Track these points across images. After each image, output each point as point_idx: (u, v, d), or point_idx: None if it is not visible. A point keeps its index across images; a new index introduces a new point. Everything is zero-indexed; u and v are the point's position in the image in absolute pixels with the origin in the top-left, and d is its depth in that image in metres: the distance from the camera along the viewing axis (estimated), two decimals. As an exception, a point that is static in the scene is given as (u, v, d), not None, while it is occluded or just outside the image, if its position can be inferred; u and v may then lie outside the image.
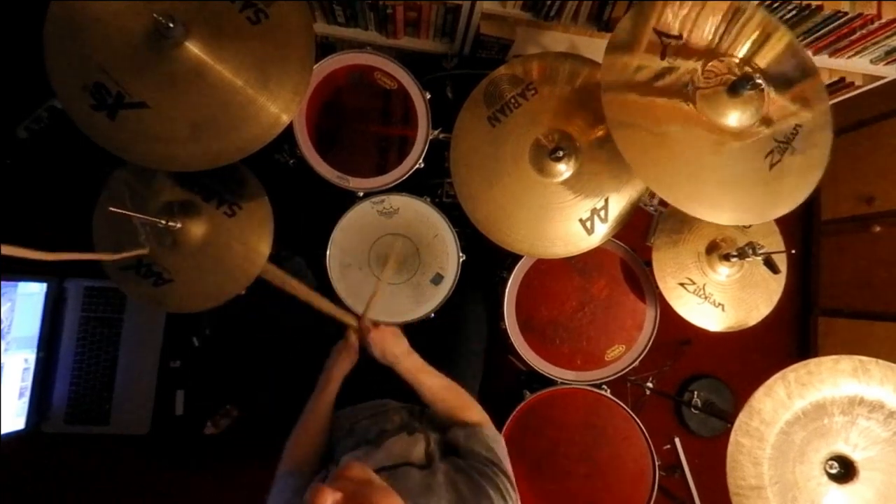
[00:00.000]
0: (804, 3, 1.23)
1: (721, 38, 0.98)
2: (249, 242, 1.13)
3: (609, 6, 1.36)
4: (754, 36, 0.98)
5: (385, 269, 1.24)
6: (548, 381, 1.38)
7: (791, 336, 2.27)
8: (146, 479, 1.73)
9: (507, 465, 0.84)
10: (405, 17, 1.43)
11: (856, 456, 1.04)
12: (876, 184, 1.94)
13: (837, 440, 1.05)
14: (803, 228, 2.25)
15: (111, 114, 0.87)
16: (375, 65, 1.25)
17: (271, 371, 1.56)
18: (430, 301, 1.29)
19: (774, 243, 1.34)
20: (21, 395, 1.38)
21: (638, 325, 1.40)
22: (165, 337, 1.50)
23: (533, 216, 1.14)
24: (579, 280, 1.40)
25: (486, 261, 1.48)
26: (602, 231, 1.16)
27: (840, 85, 1.61)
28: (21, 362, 1.37)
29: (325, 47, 1.56)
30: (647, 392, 1.80)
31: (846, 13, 1.26)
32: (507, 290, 1.36)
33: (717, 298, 1.31)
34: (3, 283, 1.29)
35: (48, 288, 1.43)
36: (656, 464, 1.34)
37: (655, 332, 1.38)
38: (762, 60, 0.98)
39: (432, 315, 1.29)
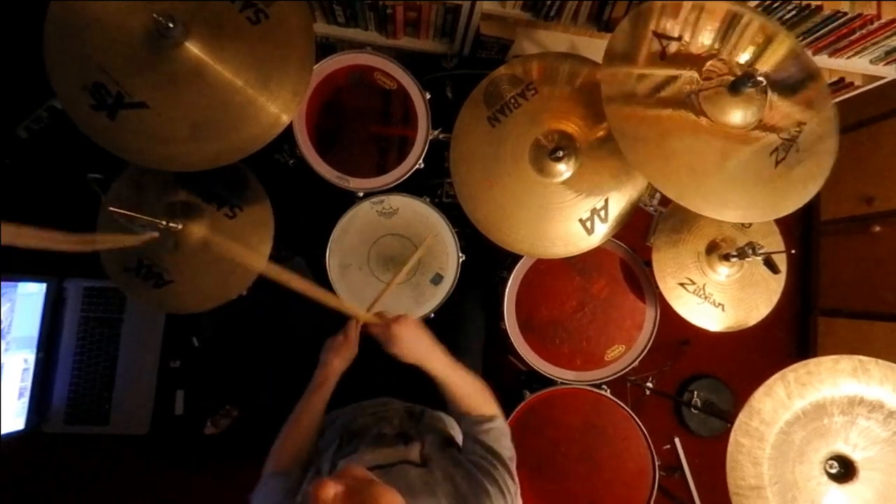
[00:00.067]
0: (804, 3, 1.24)
1: (721, 45, 0.98)
2: (250, 243, 1.13)
3: (609, 6, 1.36)
4: (756, 42, 0.98)
5: (402, 270, 1.20)
6: (548, 381, 1.38)
7: (791, 336, 2.27)
8: (146, 479, 1.73)
9: (512, 458, 0.82)
10: (405, 17, 1.43)
11: (855, 456, 1.04)
12: (876, 184, 1.94)
13: (837, 440, 1.05)
14: (803, 228, 2.25)
15: (111, 114, 0.87)
16: (375, 65, 1.25)
17: (271, 371, 1.56)
18: (430, 301, 1.29)
19: (774, 243, 1.34)
20: (21, 395, 1.38)
21: (638, 325, 1.40)
22: (165, 337, 1.50)
23: (533, 216, 1.15)
24: (579, 280, 1.40)
25: (486, 261, 1.48)
26: (602, 231, 1.16)
27: (840, 85, 1.62)
28: (21, 362, 1.37)
29: (325, 47, 1.56)
30: (647, 392, 1.80)
31: (846, 13, 1.26)
32: (507, 290, 1.36)
33: (717, 298, 1.31)
34: (3, 283, 1.29)
35: (48, 288, 1.43)
36: (656, 464, 1.34)
37: (655, 332, 1.38)
38: (764, 65, 0.98)
39: (432, 315, 1.29)
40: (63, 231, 0.69)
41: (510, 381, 1.64)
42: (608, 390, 1.37)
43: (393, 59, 1.24)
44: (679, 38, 0.97)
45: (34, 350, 1.40)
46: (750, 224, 1.33)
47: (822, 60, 1.49)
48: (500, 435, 0.86)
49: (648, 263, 1.34)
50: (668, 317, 1.32)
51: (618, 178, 1.14)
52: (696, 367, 2.16)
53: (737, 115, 0.95)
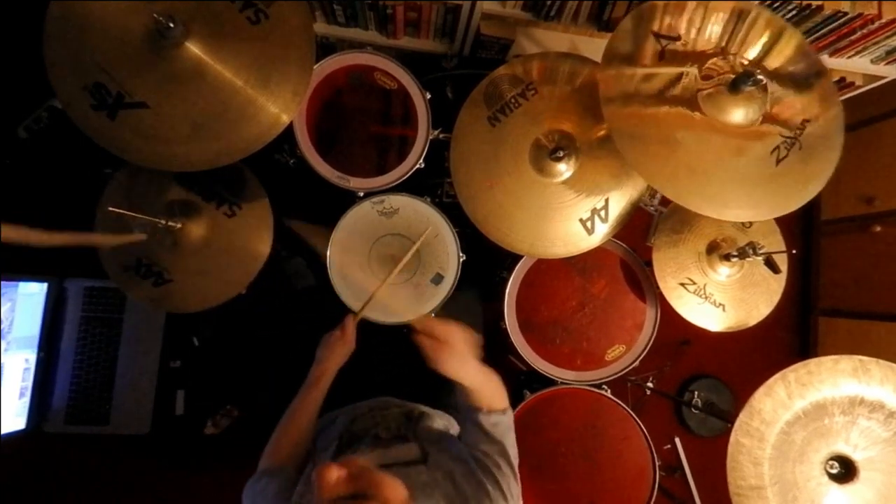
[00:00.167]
0: (804, 3, 1.24)
1: (728, 42, 0.98)
2: (249, 242, 1.13)
3: (609, 6, 1.36)
4: (764, 38, 0.98)
5: (401, 262, 1.19)
6: (548, 381, 1.38)
7: (791, 336, 2.27)
8: (146, 479, 1.73)
9: (516, 456, 0.81)
10: (405, 17, 1.43)
11: (856, 456, 1.04)
12: (876, 184, 1.94)
13: (838, 440, 1.05)
14: (803, 228, 2.25)
15: (111, 114, 0.87)
16: (375, 65, 1.25)
17: (271, 371, 1.56)
18: (430, 301, 1.29)
19: (775, 243, 1.34)
20: (21, 394, 1.38)
21: (638, 325, 1.40)
22: (165, 337, 1.50)
23: (533, 216, 1.14)
24: (579, 280, 1.40)
25: (486, 261, 1.48)
26: (602, 231, 1.16)
27: (840, 85, 1.62)
28: (21, 362, 1.37)
29: (325, 47, 1.55)
30: (648, 392, 1.80)
31: (846, 13, 1.26)
32: (507, 290, 1.36)
33: (718, 298, 1.31)
34: (3, 283, 1.29)
35: (48, 288, 1.43)
36: (656, 464, 1.34)
37: (655, 332, 1.38)
38: (774, 61, 0.97)
39: (432, 315, 1.28)
40: (47, 230, 0.68)
41: (510, 381, 1.64)
42: (608, 390, 1.37)
43: (393, 58, 1.24)
44: (678, 38, 0.97)
45: (35, 350, 1.40)
46: (750, 224, 1.33)
47: (823, 60, 1.49)
48: (507, 429, 0.85)
49: (649, 263, 1.34)
50: (669, 317, 1.32)
51: (618, 177, 1.14)
52: (696, 367, 2.16)
53: (737, 113, 0.95)
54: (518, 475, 0.80)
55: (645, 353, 1.38)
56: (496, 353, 1.43)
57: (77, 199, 1.14)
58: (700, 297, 1.30)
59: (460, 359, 0.86)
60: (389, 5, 1.36)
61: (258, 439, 0.93)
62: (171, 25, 0.81)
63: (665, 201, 1.35)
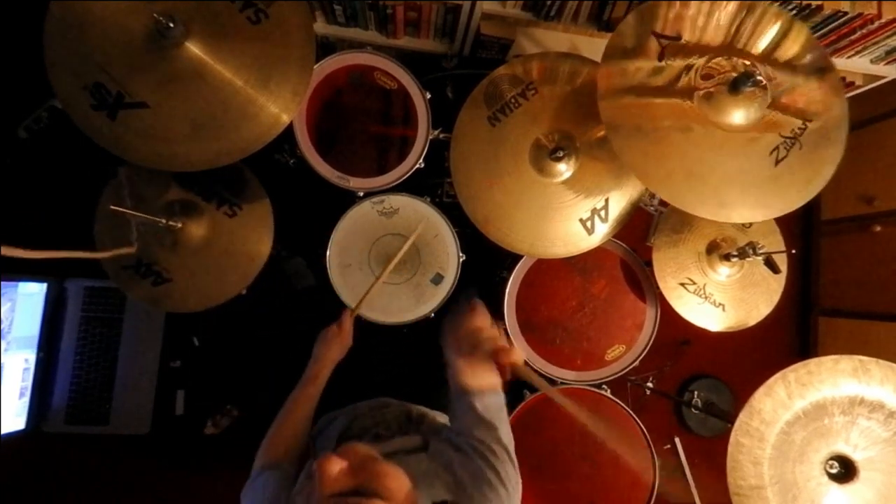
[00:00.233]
0: (804, 3, 1.23)
1: (736, 35, 0.97)
2: (249, 243, 1.13)
3: (609, 6, 1.36)
4: (774, 30, 0.97)
5: (390, 264, 1.20)
6: (548, 381, 1.38)
7: (791, 336, 2.27)
8: (146, 479, 1.73)
9: (509, 435, 0.79)
10: (405, 17, 1.43)
11: (856, 456, 1.04)
12: (876, 184, 1.94)
13: (838, 440, 1.05)
14: (803, 228, 2.25)
15: (111, 114, 0.87)
16: (375, 65, 1.25)
17: (271, 371, 1.56)
18: (430, 301, 1.29)
19: (775, 243, 1.34)
20: (21, 394, 1.38)
21: (638, 325, 1.40)
22: (165, 337, 1.50)
23: (533, 216, 1.14)
24: (579, 280, 1.40)
25: (486, 261, 1.48)
26: (602, 231, 1.16)
27: (840, 85, 1.61)
28: (21, 362, 1.37)
29: (325, 47, 1.55)
30: (647, 392, 1.80)
31: (846, 13, 1.26)
32: (507, 290, 1.36)
33: (718, 298, 1.31)
34: (3, 283, 1.29)
35: (48, 288, 1.43)
36: (656, 464, 1.34)
37: (656, 332, 1.38)
38: (785, 54, 0.97)
39: (432, 315, 1.28)
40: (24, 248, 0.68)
41: (510, 382, 1.64)
42: (608, 390, 1.37)
43: (393, 58, 1.24)
44: (679, 38, 0.97)
45: (35, 350, 1.40)
46: (750, 224, 1.33)
47: (823, 60, 1.49)
48: (500, 409, 0.83)
49: (649, 263, 1.34)
50: (669, 317, 1.32)
51: (618, 178, 1.14)
52: (696, 367, 2.16)
53: (736, 114, 0.95)
54: (515, 460, 0.78)
55: (645, 353, 1.38)
56: (496, 353, 1.43)
57: (77, 199, 1.14)
58: (700, 296, 1.30)
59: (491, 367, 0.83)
60: (389, 5, 1.36)
61: (258, 439, 0.93)
62: (171, 25, 0.81)
63: (665, 201, 1.35)
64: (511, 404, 1.33)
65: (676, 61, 0.97)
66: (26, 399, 1.39)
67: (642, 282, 1.40)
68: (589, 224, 1.15)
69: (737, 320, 1.33)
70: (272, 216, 1.14)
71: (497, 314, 1.38)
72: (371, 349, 1.48)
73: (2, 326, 1.30)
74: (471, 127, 1.15)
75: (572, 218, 1.15)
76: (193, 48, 0.85)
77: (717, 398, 2.12)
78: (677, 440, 2.06)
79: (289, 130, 1.12)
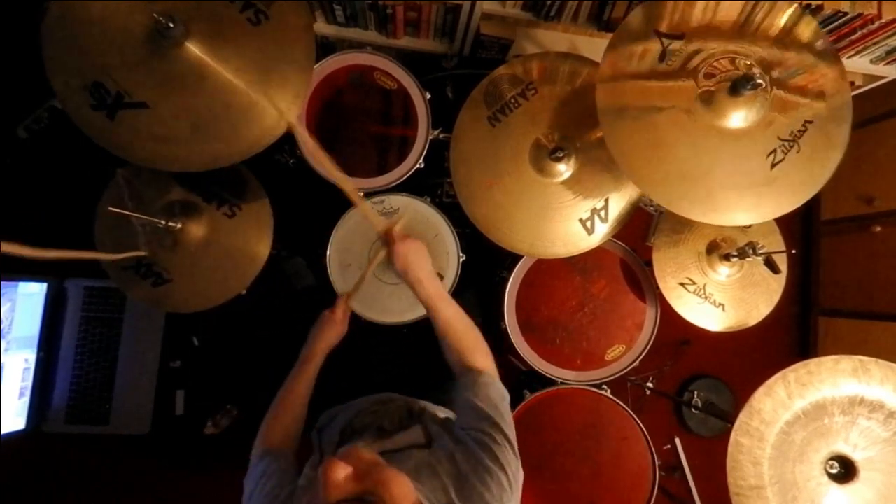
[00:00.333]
0: (804, 2, 1.23)
1: (747, 20, 0.96)
2: (249, 243, 1.13)
3: (609, 6, 1.36)
4: (786, 15, 0.96)
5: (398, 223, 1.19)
6: (548, 381, 1.38)
7: (791, 336, 2.27)
8: (146, 479, 1.73)
9: (510, 424, 0.79)
10: (405, 17, 1.43)
11: (856, 456, 1.04)
12: (876, 184, 1.94)
13: (837, 440, 1.05)
14: (803, 228, 2.25)
15: (111, 113, 0.87)
16: (375, 65, 1.25)
17: (271, 371, 1.56)
18: (430, 301, 1.29)
19: (775, 243, 1.34)
20: (21, 394, 1.38)
21: (638, 325, 1.40)
22: (165, 337, 1.50)
23: (533, 216, 1.14)
24: (579, 280, 1.40)
25: (486, 261, 1.48)
26: (602, 231, 1.16)
27: (840, 85, 1.61)
28: (21, 362, 1.37)
29: (325, 47, 1.55)
30: (647, 392, 1.80)
31: (846, 13, 1.26)
32: (507, 290, 1.36)
33: (718, 298, 1.31)
34: (3, 283, 1.29)
35: (48, 288, 1.43)
36: (656, 464, 1.34)
37: (655, 332, 1.38)
38: (800, 37, 0.96)
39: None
40: (39, 247, 0.68)
41: (510, 381, 1.64)
42: (608, 390, 1.37)
43: (393, 58, 1.24)
44: (682, 37, 0.96)
45: (34, 350, 1.40)
46: (750, 224, 1.33)
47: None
48: (500, 399, 0.84)
49: (649, 263, 1.34)
50: (669, 317, 1.32)
51: (618, 178, 1.14)
52: (696, 367, 2.16)
53: (735, 116, 0.95)
54: (516, 449, 0.77)
55: (645, 352, 1.38)
56: (496, 353, 1.43)
57: (77, 199, 1.14)
58: (700, 296, 1.30)
59: (415, 258, 0.94)
60: (389, 5, 1.36)
61: (258, 439, 0.93)
62: (171, 25, 0.81)
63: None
64: (511, 405, 1.33)
65: (685, 45, 0.96)
66: (26, 399, 1.39)
67: (642, 282, 1.40)
68: (589, 224, 1.15)
69: (737, 320, 1.33)
70: (272, 216, 1.14)
71: (497, 314, 1.38)
72: (371, 349, 1.49)
73: (2, 326, 1.30)
74: (471, 127, 1.16)
75: (572, 218, 1.15)
76: (194, 49, 0.85)
77: (717, 398, 2.12)
78: (677, 440, 2.06)
79: (289, 131, 1.12)
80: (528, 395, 1.34)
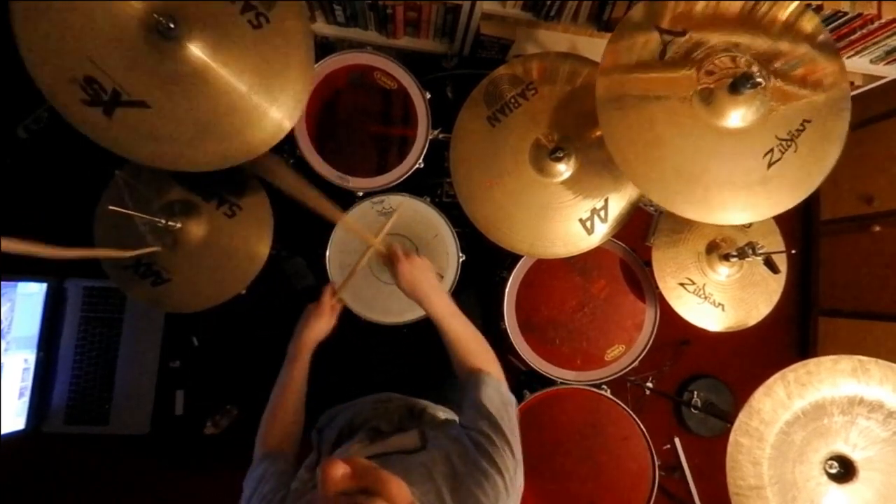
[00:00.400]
0: (804, 2, 1.23)
1: (753, 10, 0.96)
2: (249, 243, 1.13)
3: (609, 6, 1.36)
4: (791, 7, 0.96)
5: (388, 223, 1.18)
6: (548, 381, 1.38)
7: (791, 336, 2.27)
8: (146, 479, 1.73)
9: (512, 428, 0.79)
10: (405, 17, 1.43)
11: (855, 456, 1.04)
12: (876, 184, 1.94)
13: (837, 440, 1.05)
14: (803, 228, 2.25)
15: (107, 110, 0.86)
16: (375, 65, 1.25)
17: (271, 371, 1.56)
18: (429, 301, 1.28)
19: (774, 243, 1.34)
20: (21, 394, 1.38)
21: (638, 325, 1.40)
22: (165, 337, 1.50)
23: (533, 216, 1.15)
24: (579, 280, 1.40)
25: (486, 261, 1.48)
26: (602, 231, 1.16)
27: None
28: (21, 362, 1.37)
29: (325, 47, 1.55)
30: (647, 392, 1.80)
31: (846, 13, 1.26)
32: (507, 290, 1.36)
33: (717, 298, 1.31)
34: (3, 283, 1.29)
35: (48, 288, 1.43)
36: (656, 464, 1.34)
37: (655, 332, 1.38)
38: (804, 29, 0.96)
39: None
40: (59, 246, 0.68)
41: (510, 381, 1.63)
42: (608, 390, 1.37)
43: (393, 58, 1.24)
44: (683, 34, 0.96)
45: (34, 350, 1.40)
46: (750, 224, 1.33)
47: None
48: (504, 404, 0.83)
49: (648, 263, 1.34)
50: (668, 317, 1.32)
51: (617, 178, 1.14)
52: (696, 367, 2.16)
53: (734, 115, 0.95)
54: (516, 450, 0.77)
55: (644, 352, 1.38)
56: (496, 353, 1.43)
57: (77, 199, 1.14)
58: (699, 296, 1.30)
59: (419, 276, 0.96)
60: (389, 5, 1.36)
61: (258, 439, 0.93)
62: (172, 26, 0.81)
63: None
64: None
65: (678, 59, 0.96)
66: (26, 399, 1.39)
67: (642, 282, 1.40)
68: (589, 224, 1.15)
69: (736, 320, 1.33)
70: (272, 216, 1.14)
71: (497, 314, 1.38)
72: (371, 349, 1.49)
73: (2, 326, 1.30)
74: (471, 127, 1.16)
75: (572, 218, 1.15)
76: (196, 50, 0.85)
77: (716, 398, 2.12)
78: (677, 440, 2.06)
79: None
80: (527, 395, 1.34)
